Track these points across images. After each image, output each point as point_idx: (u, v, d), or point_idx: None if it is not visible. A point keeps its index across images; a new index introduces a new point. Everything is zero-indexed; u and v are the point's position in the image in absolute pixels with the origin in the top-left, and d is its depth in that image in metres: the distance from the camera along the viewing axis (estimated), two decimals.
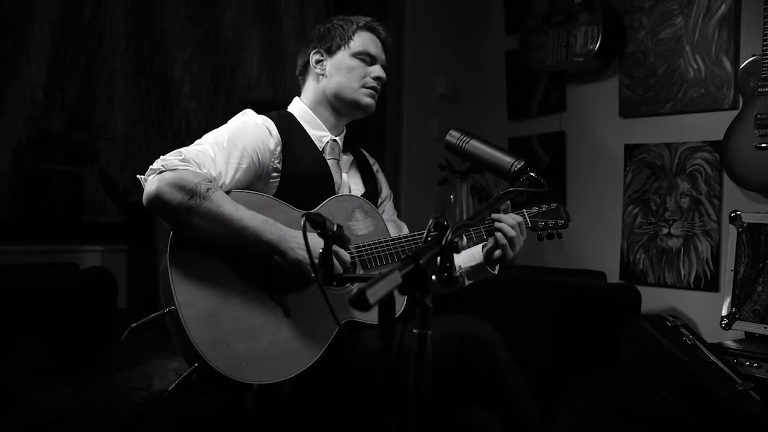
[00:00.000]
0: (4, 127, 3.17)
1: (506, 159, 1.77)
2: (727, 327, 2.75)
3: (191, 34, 3.60)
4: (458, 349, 1.88)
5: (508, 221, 2.00)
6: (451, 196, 3.79)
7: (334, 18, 2.19)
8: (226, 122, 2.06)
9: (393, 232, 2.22)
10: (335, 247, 1.82)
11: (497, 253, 2.03)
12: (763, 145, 2.70)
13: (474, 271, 2.14)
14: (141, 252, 3.21)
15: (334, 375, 1.91)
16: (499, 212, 2.05)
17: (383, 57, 2.17)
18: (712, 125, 3.02)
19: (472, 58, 4.04)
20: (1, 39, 3.15)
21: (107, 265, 3.10)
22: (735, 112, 2.85)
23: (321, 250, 1.66)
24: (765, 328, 2.65)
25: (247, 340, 1.79)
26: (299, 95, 2.21)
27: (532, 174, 1.72)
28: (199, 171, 1.82)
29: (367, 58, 2.12)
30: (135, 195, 3.43)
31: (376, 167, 2.31)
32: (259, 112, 2.09)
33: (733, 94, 2.98)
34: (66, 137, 3.16)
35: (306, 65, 2.17)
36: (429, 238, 1.26)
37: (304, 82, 2.20)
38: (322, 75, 2.13)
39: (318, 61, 2.13)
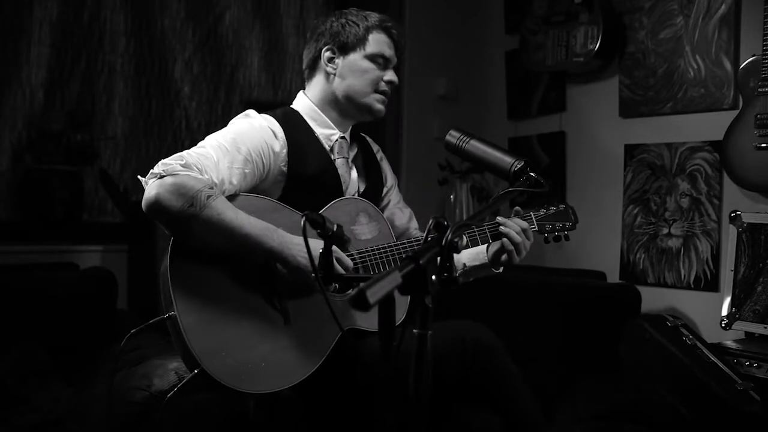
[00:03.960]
0: (4, 127, 3.17)
1: (506, 159, 1.77)
2: (727, 327, 2.75)
3: (191, 34, 3.60)
4: (459, 354, 1.88)
5: (514, 227, 1.97)
6: (451, 196, 3.79)
7: (346, 12, 2.10)
8: (226, 122, 2.04)
9: (399, 220, 2.20)
10: (338, 253, 1.81)
11: (504, 257, 2.01)
12: (763, 145, 2.70)
13: (477, 269, 2.13)
14: (141, 252, 3.21)
15: (335, 377, 1.91)
16: (498, 214, 2.05)
17: (396, 59, 2.11)
18: (712, 125, 3.02)
19: (472, 58, 4.04)
20: (1, 39, 3.15)
21: (107, 265, 3.10)
22: (735, 112, 2.85)
23: (321, 250, 1.65)
24: (765, 328, 2.65)
25: (246, 349, 1.78)
26: (304, 89, 2.14)
27: (532, 174, 1.72)
28: (200, 177, 1.78)
29: (380, 61, 2.06)
30: (135, 195, 3.44)
31: (380, 155, 2.26)
32: (260, 111, 2.04)
33: (733, 94, 2.98)
34: (66, 137, 3.16)
35: (315, 60, 2.09)
36: (429, 238, 1.26)
37: (311, 77, 2.12)
38: (333, 74, 2.06)
39: (330, 59, 2.06)
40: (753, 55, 2.76)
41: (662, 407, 2.42)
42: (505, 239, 1.97)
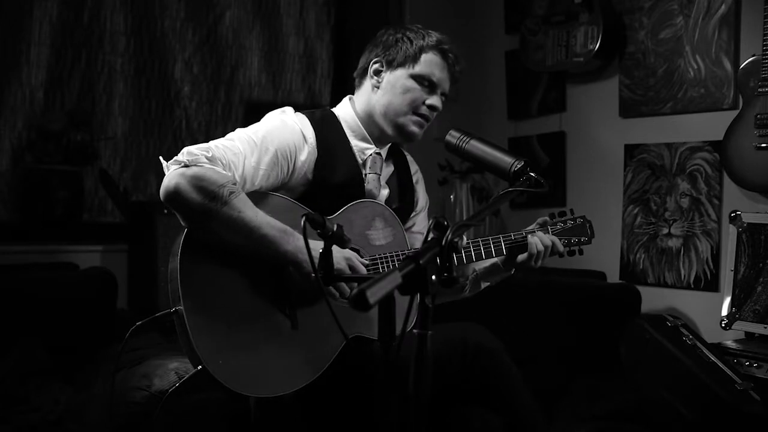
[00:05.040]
0: (4, 127, 3.17)
1: (506, 159, 1.77)
2: (727, 327, 2.75)
3: (191, 34, 3.60)
4: (460, 355, 1.88)
5: (538, 245, 1.98)
6: (451, 196, 3.79)
7: (408, 28, 2.04)
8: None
9: (420, 244, 2.18)
10: (352, 261, 1.81)
11: (521, 257, 2.01)
12: (763, 145, 2.70)
13: (489, 272, 2.12)
14: (141, 252, 3.21)
15: (336, 380, 1.91)
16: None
17: (447, 86, 2.03)
18: (712, 125, 3.02)
19: (472, 58, 4.03)
20: (1, 39, 3.15)
21: (107, 265, 3.10)
22: (735, 112, 2.85)
23: (320, 251, 1.63)
24: (765, 328, 2.65)
25: (251, 352, 1.76)
26: (352, 94, 2.11)
27: (532, 174, 1.72)
28: (224, 172, 1.75)
29: (426, 83, 1.99)
30: (135, 195, 3.44)
31: (416, 177, 2.22)
32: (297, 110, 2.00)
33: (733, 94, 2.98)
34: (66, 137, 3.16)
35: (365, 70, 2.05)
36: (429, 238, 1.26)
37: (359, 85, 2.08)
38: (377, 88, 2.01)
39: (377, 72, 2.02)
40: (753, 55, 2.76)
41: (662, 407, 2.42)
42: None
